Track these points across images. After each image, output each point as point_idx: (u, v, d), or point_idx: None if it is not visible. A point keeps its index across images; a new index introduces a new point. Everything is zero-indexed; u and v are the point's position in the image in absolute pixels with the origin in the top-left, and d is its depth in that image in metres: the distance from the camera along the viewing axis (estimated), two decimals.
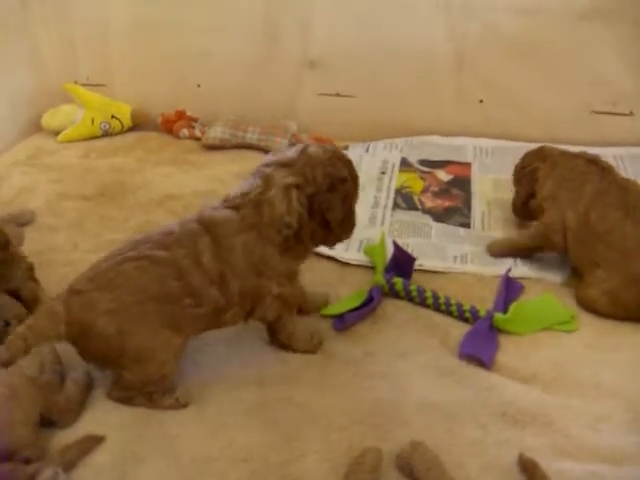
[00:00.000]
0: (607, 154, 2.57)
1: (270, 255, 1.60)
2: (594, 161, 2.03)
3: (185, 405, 1.58)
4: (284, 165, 1.62)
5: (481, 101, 2.82)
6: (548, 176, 2.04)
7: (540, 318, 1.85)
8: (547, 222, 1.99)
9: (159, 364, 1.55)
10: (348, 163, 1.69)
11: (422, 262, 2.07)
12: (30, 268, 1.87)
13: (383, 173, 2.62)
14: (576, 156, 2.07)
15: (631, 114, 2.72)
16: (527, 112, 2.78)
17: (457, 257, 2.12)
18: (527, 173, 2.10)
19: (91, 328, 1.50)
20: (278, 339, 1.73)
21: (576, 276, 1.99)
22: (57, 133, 2.99)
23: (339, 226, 1.66)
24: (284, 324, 1.71)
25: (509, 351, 1.75)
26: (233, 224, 1.58)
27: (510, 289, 1.94)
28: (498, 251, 2.11)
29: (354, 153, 2.68)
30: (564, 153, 2.09)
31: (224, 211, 1.61)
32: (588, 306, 1.89)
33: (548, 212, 2.00)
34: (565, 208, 1.96)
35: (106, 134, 3.02)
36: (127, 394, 1.58)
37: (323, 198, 1.61)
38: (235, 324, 1.67)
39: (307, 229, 1.62)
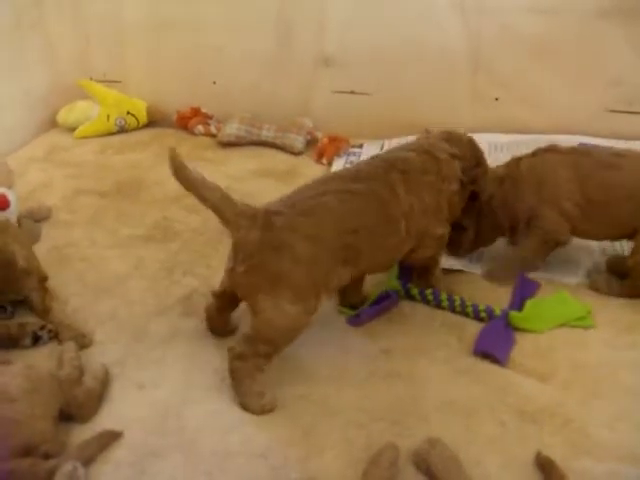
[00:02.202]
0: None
1: (445, 199, 1.76)
2: (542, 150, 2.01)
3: (270, 411, 1.54)
4: (442, 139, 1.83)
5: (497, 99, 2.82)
6: (522, 189, 1.96)
7: (556, 315, 1.84)
8: (547, 228, 1.94)
9: (311, 308, 1.53)
10: (479, 148, 1.90)
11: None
12: (42, 279, 1.85)
13: None
14: (520, 160, 2.01)
15: None
16: (542, 110, 2.78)
17: (473, 257, 2.12)
18: (500, 200, 1.97)
19: (288, 249, 1.49)
20: (426, 279, 1.88)
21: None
22: (73, 129, 3.01)
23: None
24: (434, 264, 1.88)
25: (526, 349, 1.75)
26: (417, 164, 1.72)
27: (526, 287, 1.94)
28: (504, 276, 2.00)
29: (368, 151, 2.68)
30: (507, 165, 2.03)
31: (406, 152, 1.74)
32: None
33: (542, 218, 1.94)
34: (558, 203, 1.92)
35: (122, 130, 3.04)
36: (247, 349, 1.52)
37: (473, 172, 1.83)
38: (392, 265, 1.82)
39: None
